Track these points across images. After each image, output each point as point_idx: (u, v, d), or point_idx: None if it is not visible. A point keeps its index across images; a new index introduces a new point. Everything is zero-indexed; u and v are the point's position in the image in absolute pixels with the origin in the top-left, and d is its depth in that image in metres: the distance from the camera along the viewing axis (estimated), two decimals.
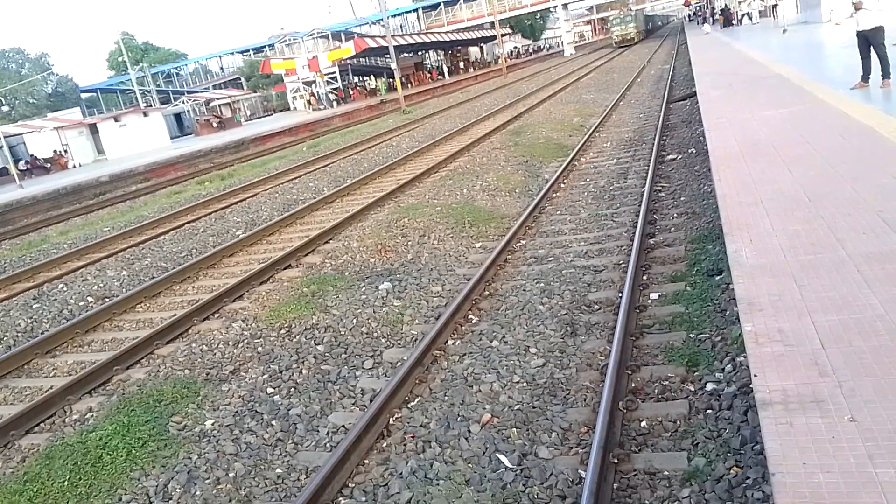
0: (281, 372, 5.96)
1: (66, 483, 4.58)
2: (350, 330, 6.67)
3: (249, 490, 4.38)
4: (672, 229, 8.26)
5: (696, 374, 4.91)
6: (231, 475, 4.55)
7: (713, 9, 61.47)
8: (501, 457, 4.34)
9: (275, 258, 9.01)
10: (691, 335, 5.45)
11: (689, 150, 12.47)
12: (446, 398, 5.18)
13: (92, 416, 5.53)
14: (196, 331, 7.07)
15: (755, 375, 3.58)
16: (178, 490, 4.44)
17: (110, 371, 6.27)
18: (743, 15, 43.56)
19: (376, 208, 11.30)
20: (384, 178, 15.03)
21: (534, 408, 4.88)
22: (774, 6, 40.31)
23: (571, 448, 4.35)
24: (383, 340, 6.42)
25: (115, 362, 6.36)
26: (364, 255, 8.90)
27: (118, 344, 6.92)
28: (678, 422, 4.41)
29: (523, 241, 8.89)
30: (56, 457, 4.88)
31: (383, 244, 9.22)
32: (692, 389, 4.75)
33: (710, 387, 4.69)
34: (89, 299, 9.11)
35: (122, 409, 5.47)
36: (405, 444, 4.66)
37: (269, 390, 5.67)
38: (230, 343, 6.65)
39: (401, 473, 4.32)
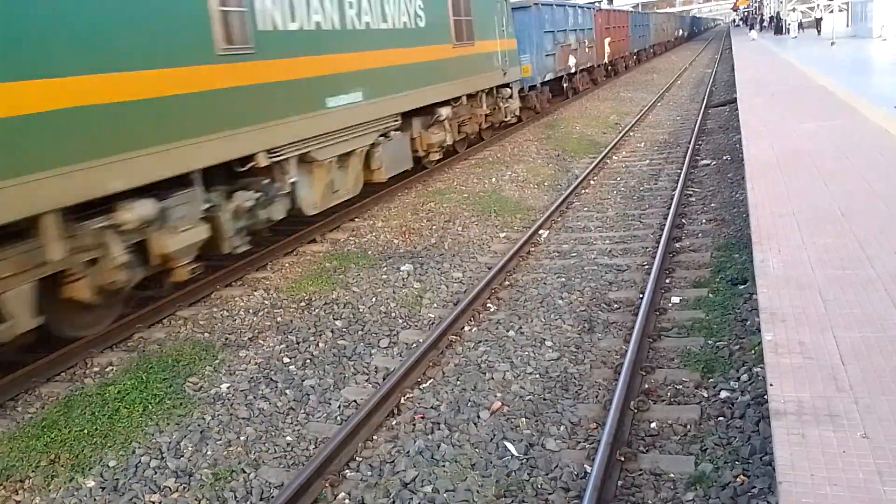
0: (298, 343, 6.03)
1: (82, 432, 4.70)
2: (369, 308, 6.73)
3: (259, 455, 4.46)
4: (699, 235, 8.18)
5: (711, 380, 4.89)
6: (242, 438, 4.64)
7: (762, 16, 60.32)
8: (509, 444, 4.37)
9: (300, 231, 9.08)
10: (709, 342, 5.42)
11: (724, 157, 12.31)
12: (458, 383, 5.22)
13: (112, 370, 5.66)
14: (218, 296, 7.18)
15: (771, 385, 3.56)
16: (189, 448, 4.54)
17: (132, 328, 6.39)
18: (790, 24, 42.66)
19: (403, 191, 11.33)
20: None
21: (545, 400, 4.90)
22: (819, 20, 39.43)
23: (579, 443, 4.37)
24: (401, 321, 6.46)
25: (137, 320, 6.49)
26: (388, 236, 8.95)
27: (142, 302, 7.04)
28: (688, 426, 4.40)
29: (547, 235, 8.87)
30: (75, 406, 5.01)
31: (408, 226, 9.26)
32: (705, 395, 4.73)
33: (723, 394, 4.67)
34: None
35: (141, 365, 5.59)
36: (414, 424, 4.71)
37: (285, 360, 5.75)
38: (250, 311, 6.74)
39: (408, 452, 4.37)
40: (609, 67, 29.47)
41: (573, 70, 21.81)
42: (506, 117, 15.26)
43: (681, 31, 65.91)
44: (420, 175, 12.15)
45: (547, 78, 19.11)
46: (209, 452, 4.50)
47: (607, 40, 27.56)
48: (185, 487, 4.16)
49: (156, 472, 4.32)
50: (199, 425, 4.79)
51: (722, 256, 7.24)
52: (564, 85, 21.61)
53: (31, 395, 5.37)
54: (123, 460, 4.42)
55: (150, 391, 5.15)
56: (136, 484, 4.21)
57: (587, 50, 24.00)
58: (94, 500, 4.10)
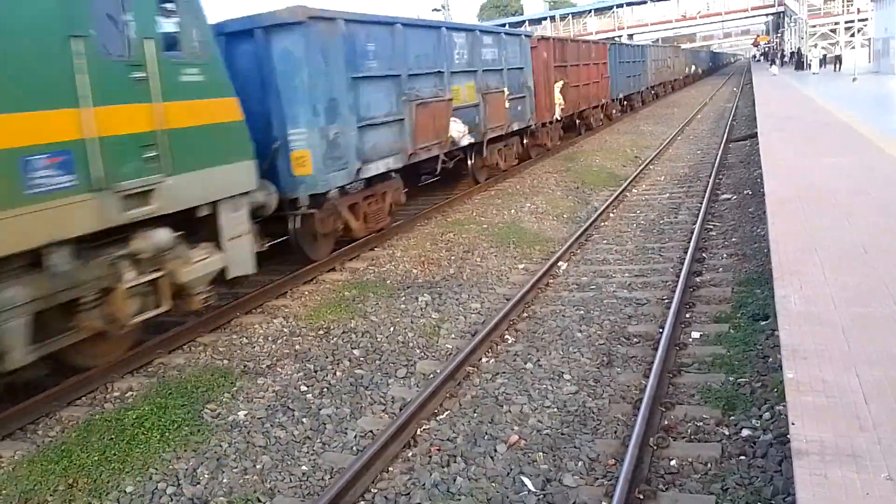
0: (316, 372, 6.05)
1: (100, 457, 4.72)
2: (386, 337, 6.74)
3: (275, 484, 4.46)
4: (720, 269, 8.12)
5: (732, 418, 4.82)
6: (258, 467, 4.64)
7: (783, 51, 60.49)
8: (525, 479, 4.33)
9: (320, 260, 9.15)
10: (730, 378, 5.35)
11: (745, 192, 12.26)
12: (475, 415, 5.20)
13: (131, 395, 5.70)
14: (238, 323, 7.23)
15: (793, 423, 3.51)
16: (206, 475, 4.55)
17: (153, 353, 6.45)
18: (812, 60, 42.70)
19: (423, 221, 11.41)
20: (433, 191, 15.13)
21: (562, 434, 4.85)
22: (838, 56, 39.54)
23: (597, 479, 4.31)
24: (418, 351, 6.46)
25: (157, 345, 6.55)
26: (407, 266, 8.99)
27: (163, 328, 7.11)
28: (709, 464, 4.33)
29: (566, 267, 8.85)
30: (94, 431, 5.04)
31: (427, 256, 9.30)
32: (726, 433, 4.66)
33: (745, 433, 4.60)
34: None
35: (160, 391, 5.62)
36: (430, 456, 4.69)
37: (303, 388, 5.77)
38: (269, 338, 6.78)
39: (424, 484, 4.34)
40: (577, 121, 21.12)
41: (466, 142, 12.20)
42: (159, 305, 6.15)
43: (694, 68, 55.84)
44: (439, 205, 12.23)
45: (366, 174, 9.37)
46: (225, 480, 4.50)
47: (559, 85, 17.72)
48: None
49: (172, 499, 4.32)
50: (215, 452, 4.80)
51: (743, 292, 7.17)
52: (471, 163, 13.34)
53: (51, 419, 5.42)
54: (140, 486, 4.44)
55: (169, 417, 5.18)
56: None
57: (509, 104, 14.18)
58: None
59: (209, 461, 4.69)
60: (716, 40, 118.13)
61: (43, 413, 5.45)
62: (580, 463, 4.48)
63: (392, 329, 6.93)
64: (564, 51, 18.92)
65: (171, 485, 4.46)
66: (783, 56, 58.39)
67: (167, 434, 4.98)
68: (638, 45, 32.68)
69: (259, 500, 4.27)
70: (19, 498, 4.34)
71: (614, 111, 26.37)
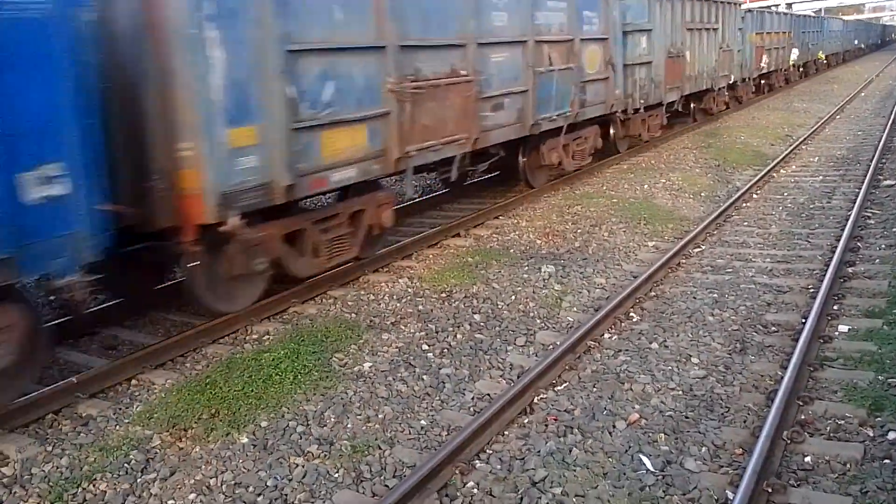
0: (437, 332, 6.18)
1: (239, 392, 5.09)
2: (507, 305, 6.75)
3: (394, 434, 4.63)
4: (877, 261, 7.43)
5: (879, 419, 4.45)
6: (380, 416, 4.83)
7: None
8: (644, 459, 4.22)
9: (445, 225, 9.25)
10: (880, 377, 4.93)
11: None
12: (595, 390, 5.11)
13: (268, 338, 6.09)
14: (366, 280, 7.51)
15: None
16: (332, 419, 4.79)
17: (288, 302, 6.85)
18: None
19: (550, 192, 11.24)
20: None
21: (686, 418, 4.68)
22: None
23: (721, 467, 4.13)
24: (538, 321, 6.43)
25: (293, 295, 6.94)
26: (531, 236, 8.92)
27: (294, 280, 7.51)
28: (848, 465, 4.03)
29: (701, 248, 8.43)
30: (234, 368, 5.44)
31: (552, 228, 9.18)
32: (871, 434, 4.32)
33: (892, 436, 4.24)
34: None
35: (294, 337, 5.97)
36: (546, 425, 4.67)
37: (424, 347, 5.91)
38: (394, 297, 6.99)
39: (538, 451, 4.34)
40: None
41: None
42: None
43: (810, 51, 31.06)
44: (568, 178, 11.99)
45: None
46: (349, 425, 4.73)
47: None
48: (325, 455, 4.40)
49: (301, 437, 4.60)
50: (342, 399, 5.04)
51: None
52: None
53: (198, 354, 5.90)
54: (274, 422, 4.75)
55: (301, 362, 5.48)
56: (283, 445, 4.51)
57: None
58: (247, 455, 4.44)
59: (335, 406, 4.94)
60: (887, 12, 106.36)
61: (191, 347, 5.94)
62: (704, 448, 4.30)
63: (513, 297, 6.93)
64: None
65: (300, 424, 4.74)
66: None
67: (299, 377, 5.29)
68: None
69: (380, 448, 4.45)
70: (168, 422, 4.78)
71: None
